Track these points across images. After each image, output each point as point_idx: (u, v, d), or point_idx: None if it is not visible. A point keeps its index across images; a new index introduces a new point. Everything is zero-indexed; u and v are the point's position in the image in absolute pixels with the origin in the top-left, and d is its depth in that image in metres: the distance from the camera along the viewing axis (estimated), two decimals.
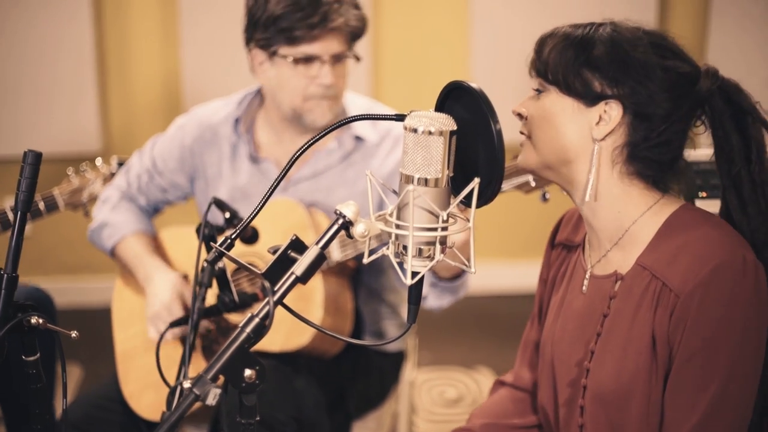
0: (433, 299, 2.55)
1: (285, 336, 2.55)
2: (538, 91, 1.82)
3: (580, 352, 1.88)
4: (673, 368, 1.75)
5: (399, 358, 2.89)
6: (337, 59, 2.63)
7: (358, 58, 2.68)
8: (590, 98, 1.77)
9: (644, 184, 1.82)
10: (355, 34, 2.64)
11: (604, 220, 1.84)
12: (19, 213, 1.73)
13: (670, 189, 1.85)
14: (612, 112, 1.77)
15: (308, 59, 2.60)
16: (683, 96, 1.78)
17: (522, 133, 1.85)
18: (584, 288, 1.90)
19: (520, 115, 1.85)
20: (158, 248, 2.81)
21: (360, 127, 2.73)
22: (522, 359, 2.12)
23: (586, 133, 1.79)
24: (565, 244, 2.01)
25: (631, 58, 1.76)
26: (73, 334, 1.74)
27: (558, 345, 1.94)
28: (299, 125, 2.69)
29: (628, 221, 1.82)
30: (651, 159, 1.80)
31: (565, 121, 1.79)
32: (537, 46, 1.83)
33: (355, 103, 2.77)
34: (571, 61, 1.77)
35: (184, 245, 2.77)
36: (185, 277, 2.71)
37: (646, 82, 1.76)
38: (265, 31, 2.60)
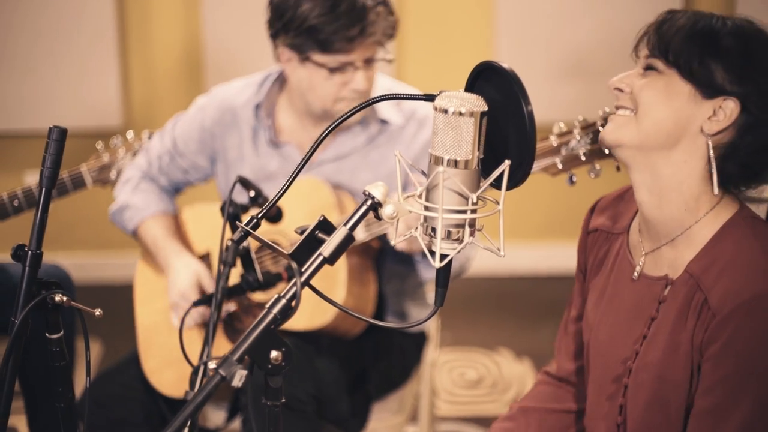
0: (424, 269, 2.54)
1: (309, 315, 2.54)
2: (649, 69, 1.76)
3: (625, 350, 1.84)
4: (699, 388, 1.72)
5: (421, 339, 2.88)
6: (369, 63, 2.60)
7: (389, 61, 2.64)
8: (710, 90, 1.71)
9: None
10: (388, 39, 2.60)
11: (669, 215, 1.78)
12: (43, 189, 1.72)
13: (737, 191, 1.79)
14: (728, 109, 1.71)
15: (342, 66, 2.56)
16: None
17: (621, 107, 1.78)
18: (635, 275, 1.85)
19: (620, 90, 1.78)
20: (181, 227, 2.80)
21: (385, 111, 2.70)
22: (560, 349, 2.08)
23: (695, 125, 1.73)
24: (603, 230, 1.96)
25: (762, 58, 1.70)
26: (97, 312, 1.73)
27: (596, 333, 1.91)
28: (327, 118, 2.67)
29: (691, 220, 1.77)
30: (745, 164, 1.75)
31: (679, 106, 1.73)
32: (658, 24, 1.76)
33: (379, 83, 2.74)
34: (698, 48, 1.71)
35: (207, 223, 2.76)
36: (207, 256, 2.69)
37: None
38: (296, 36, 2.53)
